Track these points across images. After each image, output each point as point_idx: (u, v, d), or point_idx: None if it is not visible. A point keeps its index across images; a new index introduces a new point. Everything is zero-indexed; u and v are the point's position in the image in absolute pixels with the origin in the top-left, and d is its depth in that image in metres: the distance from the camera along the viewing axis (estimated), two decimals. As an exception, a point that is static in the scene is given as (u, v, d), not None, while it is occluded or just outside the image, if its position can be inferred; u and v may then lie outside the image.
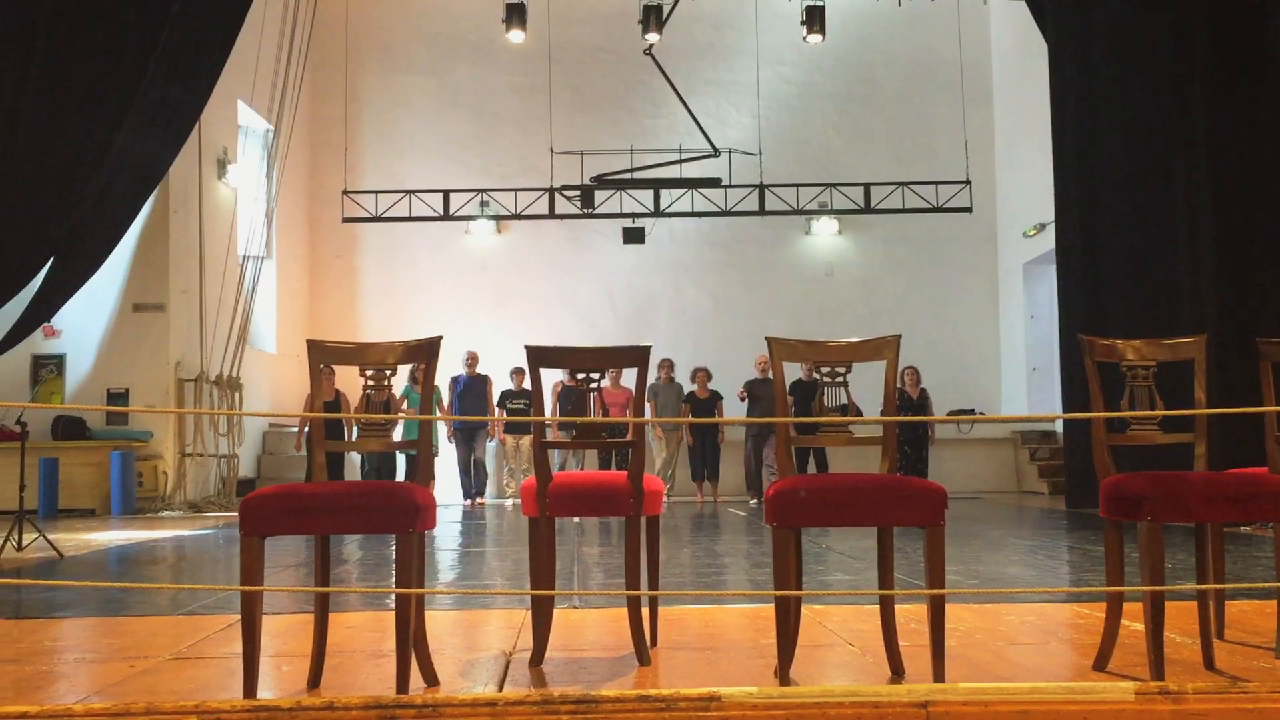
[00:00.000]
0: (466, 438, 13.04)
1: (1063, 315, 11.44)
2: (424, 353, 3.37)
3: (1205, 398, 3.57)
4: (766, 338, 3.43)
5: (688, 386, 13.46)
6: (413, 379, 12.75)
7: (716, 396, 13.32)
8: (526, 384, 11.90)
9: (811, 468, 12.51)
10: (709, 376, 13.33)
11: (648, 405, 12.71)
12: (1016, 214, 15.82)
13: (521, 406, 12.90)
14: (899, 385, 11.63)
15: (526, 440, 12.90)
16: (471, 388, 12.88)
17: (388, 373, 3.40)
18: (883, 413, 3.43)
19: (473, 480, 13.08)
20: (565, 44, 15.92)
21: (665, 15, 13.35)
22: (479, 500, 13.05)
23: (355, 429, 3.48)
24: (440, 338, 3.48)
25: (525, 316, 15.88)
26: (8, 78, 9.15)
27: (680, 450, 13.36)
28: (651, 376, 12.38)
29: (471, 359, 12.99)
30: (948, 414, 14.58)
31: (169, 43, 9.89)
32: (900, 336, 3.38)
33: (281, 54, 13.68)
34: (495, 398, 13.19)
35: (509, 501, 13.24)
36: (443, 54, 16.65)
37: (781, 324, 14.55)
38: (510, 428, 13.13)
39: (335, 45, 15.66)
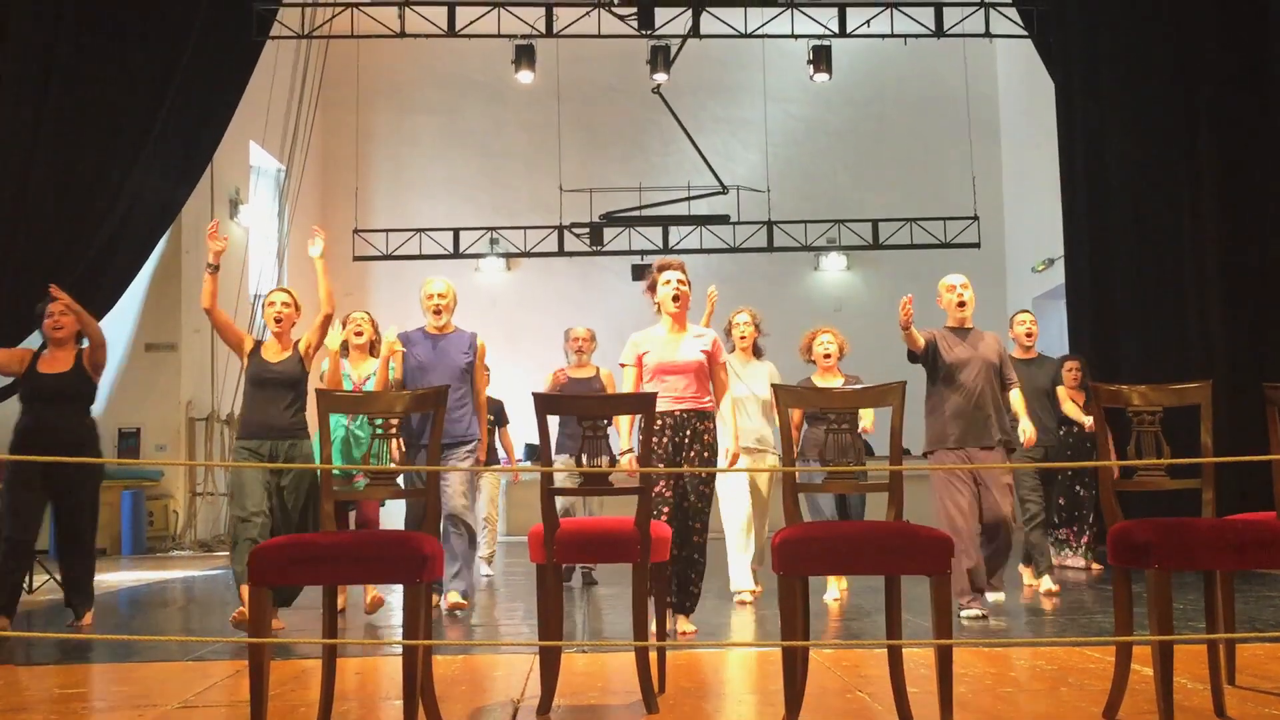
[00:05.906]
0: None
1: (1073, 351, 11.38)
2: (431, 402, 3.39)
3: (1212, 443, 3.56)
4: (773, 385, 3.44)
5: (786, 368, 7.54)
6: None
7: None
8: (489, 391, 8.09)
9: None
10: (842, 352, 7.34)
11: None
12: (1025, 249, 15.82)
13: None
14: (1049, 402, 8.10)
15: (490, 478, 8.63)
16: (440, 360, 6.27)
17: (395, 422, 3.41)
18: (892, 460, 3.42)
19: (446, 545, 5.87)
20: (574, 83, 16.03)
21: (673, 55, 13.45)
22: (453, 602, 5.89)
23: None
24: (448, 387, 3.50)
25: (535, 353, 15.84)
26: (23, 118, 9.27)
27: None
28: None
29: (441, 301, 6.45)
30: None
31: (182, 85, 10.03)
32: (905, 383, 3.38)
33: (293, 95, 13.83)
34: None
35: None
36: (452, 94, 16.79)
37: (790, 360, 14.46)
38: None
39: (346, 86, 15.79)
